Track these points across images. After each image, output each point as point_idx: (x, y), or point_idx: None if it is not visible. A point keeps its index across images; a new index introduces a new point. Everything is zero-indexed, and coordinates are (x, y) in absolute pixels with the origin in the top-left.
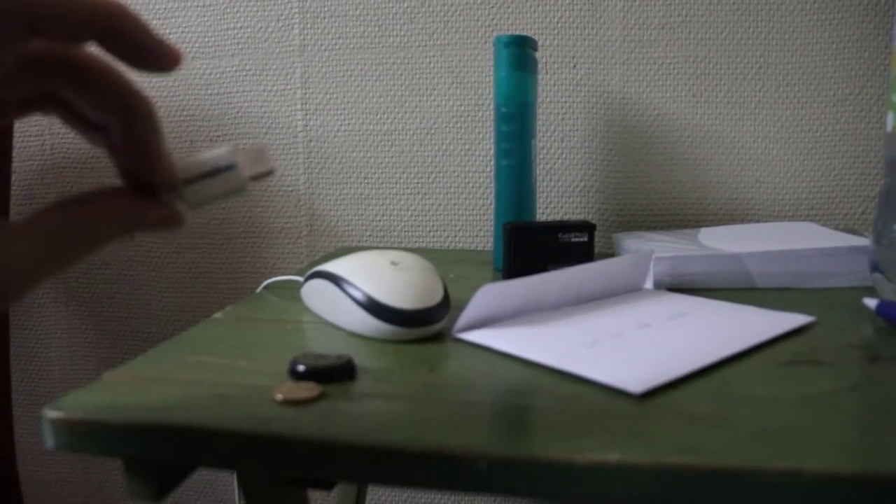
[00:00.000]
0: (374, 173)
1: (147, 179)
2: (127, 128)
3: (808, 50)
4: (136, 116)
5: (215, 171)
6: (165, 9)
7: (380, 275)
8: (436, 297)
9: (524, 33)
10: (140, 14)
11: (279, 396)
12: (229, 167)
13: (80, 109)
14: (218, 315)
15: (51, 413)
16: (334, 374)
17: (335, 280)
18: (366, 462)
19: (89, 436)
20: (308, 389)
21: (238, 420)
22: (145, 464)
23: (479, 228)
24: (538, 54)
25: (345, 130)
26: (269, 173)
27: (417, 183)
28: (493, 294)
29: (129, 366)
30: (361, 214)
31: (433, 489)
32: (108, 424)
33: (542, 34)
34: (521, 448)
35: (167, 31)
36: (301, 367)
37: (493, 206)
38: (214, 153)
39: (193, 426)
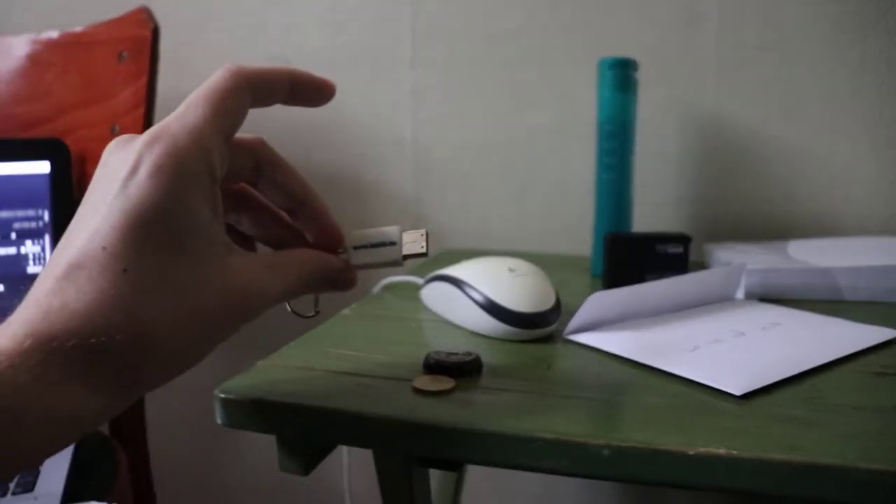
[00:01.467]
0: (477, 181)
1: (326, 243)
2: (310, 209)
3: None
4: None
5: (379, 244)
6: (286, 25)
7: (499, 280)
8: (549, 302)
9: (623, 53)
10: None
11: (419, 387)
12: (391, 243)
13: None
14: (346, 311)
15: (221, 395)
16: (464, 369)
17: (457, 283)
18: (500, 447)
19: (253, 415)
20: (444, 382)
21: (384, 406)
22: (296, 442)
23: (574, 235)
24: (637, 73)
25: (451, 141)
26: (422, 255)
27: (518, 191)
28: (601, 300)
29: (278, 355)
30: (464, 219)
31: (557, 473)
32: (270, 405)
33: (639, 52)
34: (638, 438)
35: (288, 46)
36: (435, 362)
37: (592, 216)
38: (383, 229)
39: (344, 410)
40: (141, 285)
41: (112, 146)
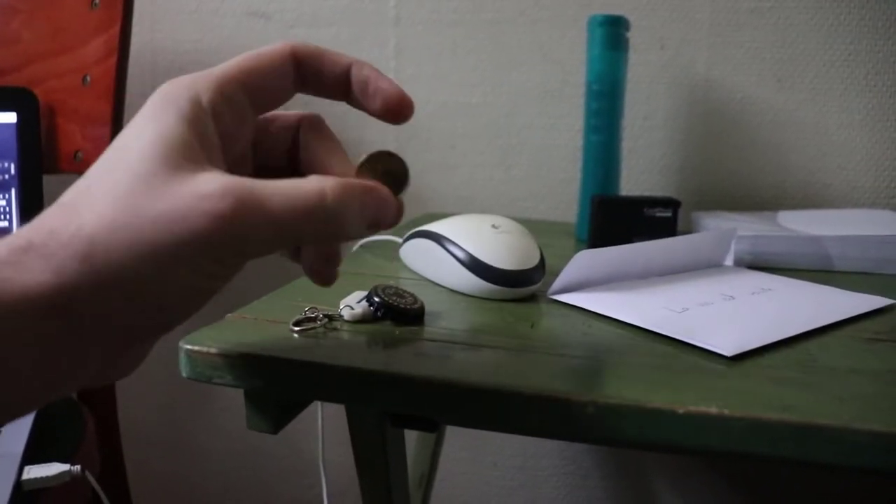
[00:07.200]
0: (461, 143)
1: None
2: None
3: None
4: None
5: None
6: None
7: (482, 237)
8: (534, 260)
9: (614, 13)
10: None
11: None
12: None
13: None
14: None
15: (186, 346)
16: (407, 315)
17: (438, 240)
18: (478, 403)
19: (219, 367)
20: None
21: (355, 358)
22: (264, 397)
23: (559, 200)
24: (629, 33)
25: (435, 101)
26: None
27: (502, 154)
28: (588, 259)
29: (248, 308)
30: (447, 182)
31: (538, 434)
32: (236, 357)
33: (631, 14)
34: (625, 395)
35: (269, 2)
36: (380, 301)
37: (579, 179)
38: None
39: (313, 362)
40: (92, 197)
41: None
